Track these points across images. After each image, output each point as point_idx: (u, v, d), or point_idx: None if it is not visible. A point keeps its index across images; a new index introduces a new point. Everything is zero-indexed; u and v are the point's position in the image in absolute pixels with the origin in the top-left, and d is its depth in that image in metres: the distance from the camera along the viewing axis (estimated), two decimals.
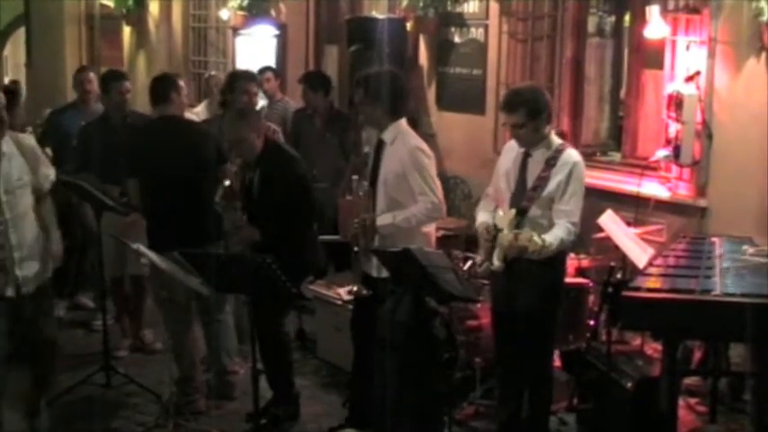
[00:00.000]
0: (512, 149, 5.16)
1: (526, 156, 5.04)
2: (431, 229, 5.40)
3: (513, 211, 4.93)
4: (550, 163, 4.93)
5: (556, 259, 4.96)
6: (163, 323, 6.54)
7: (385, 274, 5.13)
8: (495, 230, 4.95)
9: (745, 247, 4.86)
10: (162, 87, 6.07)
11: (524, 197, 4.96)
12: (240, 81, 6.82)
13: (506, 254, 4.81)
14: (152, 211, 5.96)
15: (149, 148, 5.93)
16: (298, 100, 9.40)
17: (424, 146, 5.32)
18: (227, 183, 5.76)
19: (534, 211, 4.93)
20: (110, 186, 6.51)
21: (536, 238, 4.58)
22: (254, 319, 5.06)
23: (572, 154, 5.00)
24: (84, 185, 6.40)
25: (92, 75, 8.36)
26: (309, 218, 5.72)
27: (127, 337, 7.08)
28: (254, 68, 9.28)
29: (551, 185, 4.91)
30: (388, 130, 5.28)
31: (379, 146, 5.32)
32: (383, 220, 5.21)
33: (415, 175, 5.17)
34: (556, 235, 4.80)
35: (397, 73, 5.54)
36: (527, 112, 4.91)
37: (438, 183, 5.28)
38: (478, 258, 5.11)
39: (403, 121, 5.34)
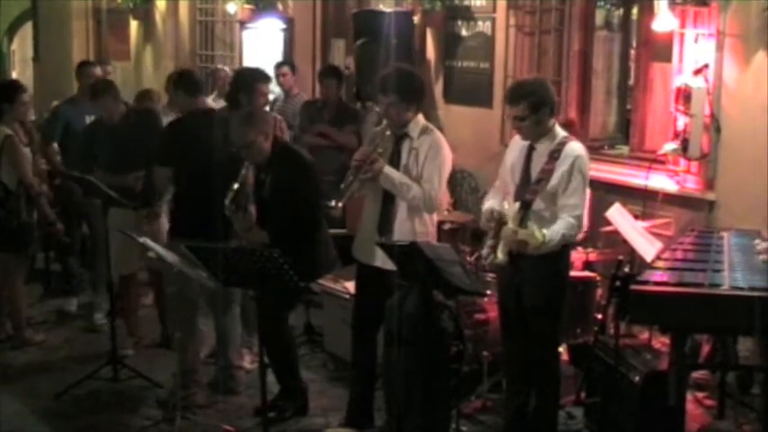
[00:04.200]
0: (518, 142, 5.16)
1: (531, 149, 5.03)
2: (432, 229, 5.40)
3: (517, 204, 4.93)
4: (554, 156, 4.92)
5: (560, 253, 4.96)
6: (169, 317, 6.56)
7: (390, 266, 5.10)
8: (499, 218, 4.94)
9: (756, 241, 4.85)
10: (197, 81, 6.22)
11: (528, 190, 4.96)
12: (257, 83, 6.64)
13: (509, 248, 4.81)
14: (185, 200, 5.97)
15: (190, 139, 5.92)
16: (306, 93, 9.42)
17: (447, 145, 5.33)
18: (235, 186, 5.75)
19: (538, 205, 4.92)
20: (122, 176, 6.64)
21: (537, 233, 4.59)
22: (259, 313, 5.07)
23: (575, 147, 4.97)
24: (92, 180, 6.41)
25: (96, 69, 8.39)
26: (319, 223, 5.70)
27: (132, 336, 7.06)
28: (262, 62, 9.30)
29: (554, 179, 4.90)
30: (412, 125, 5.26)
31: (400, 140, 5.28)
32: (391, 171, 5.17)
33: (432, 164, 5.18)
34: (557, 230, 4.80)
35: (413, 68, 5.53)
36: (529, 104, 4.90)
37: (445, 184, 5.29)
38: (484, 251, 5.09)
39: (421, 116, 5.35)
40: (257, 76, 6.54)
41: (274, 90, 9.33)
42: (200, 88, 6.31)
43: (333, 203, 5.07)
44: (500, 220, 4.94)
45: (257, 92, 6.38)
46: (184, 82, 6.22)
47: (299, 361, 5.98)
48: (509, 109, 5.08)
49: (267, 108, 7.02)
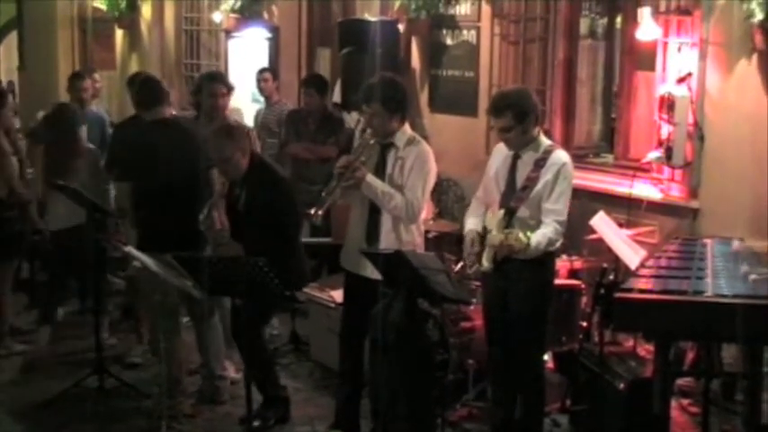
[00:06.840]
0: (501, 151, 5.17)
1: (516, 157, 5.05)
2: (420, 239, 5.40)
3: (502, 211, 4.94)
4: (540, 164, 4.95)
5: (545, 260, 4.99)
6: (152, 326, 6.53)
7: (378, 275, 5.09)
8: (483, 232, 4.95)
9: (735, 242, 4.89)
10: (157, 90, 6.07)
11: (513, 198, 4.97)
12: (206, 83, 6.71)
13: (496, 254, 4.82)
14: (148, 215, 5.89)
15: (149, 152, 5.82)
16: (292, 102, 9.41)
17: (433, 158, 5.32)
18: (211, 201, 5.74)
19: (523, 212, 4.94)
20: None
21: (522, 236, 4.59)
22: (234, 324, 5.04)
23: (561, 155, 5.01)
24: (76, 188, 6.39)
25: (88, 82, 8.35)
26: (294, 239, 5.68)
27: (142, 343, 7.01)
28: (247, 71, 9.30)
29: (539, 186, 4.93)
30: (398, 135, 5.24)
31: (385, 149, 5.27)
32: (374, 180, 5.13)
33: (417, 175, 5.16)
34: (544, 233, 4.83)
35: (397, 78, 5.53)
36: (514, 114, 4.92)
37: (428, 196, 5.30)
38: (469, 261, 5.10)
39: (408, 126, 5.35)
40: (210, 77, 6.87)
41: (259, 99, 9.36)
42: (161, 98, 6.06)
43: (312, 211, 5.05)
44: (484, 230, 4.96)
45: (208, 92, 6.60)
46: (143, 92, 6.10)
47: (275, 370, 5.94)
48: (494, 120, 5.09)
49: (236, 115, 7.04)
